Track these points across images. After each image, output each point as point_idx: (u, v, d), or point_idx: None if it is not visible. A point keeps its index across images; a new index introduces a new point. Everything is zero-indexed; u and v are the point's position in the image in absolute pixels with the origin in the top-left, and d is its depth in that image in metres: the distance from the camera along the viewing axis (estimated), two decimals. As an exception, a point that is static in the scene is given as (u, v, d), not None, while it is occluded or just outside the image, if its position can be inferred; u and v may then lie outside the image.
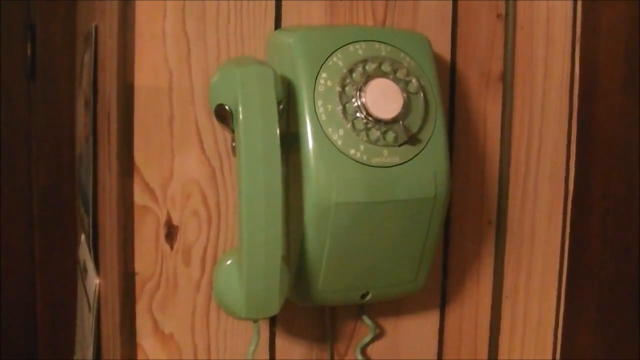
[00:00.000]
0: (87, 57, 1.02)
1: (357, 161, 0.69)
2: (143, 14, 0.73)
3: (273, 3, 0.76)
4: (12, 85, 1.54)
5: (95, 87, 0.95)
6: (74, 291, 1.23)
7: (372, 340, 0.84)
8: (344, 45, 0.72)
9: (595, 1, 0.84)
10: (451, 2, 0.83)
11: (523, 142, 0.88)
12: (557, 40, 0.87)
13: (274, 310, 0.69)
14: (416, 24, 0.81)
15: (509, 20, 0.85)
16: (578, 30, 0.87)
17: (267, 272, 0.67)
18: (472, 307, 0.89)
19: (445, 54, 0.83)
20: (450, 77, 0.84)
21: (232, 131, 0.68)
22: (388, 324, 0.85)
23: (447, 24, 0.83)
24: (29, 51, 1.53)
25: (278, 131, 0.66)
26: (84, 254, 1.06)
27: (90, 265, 0.98)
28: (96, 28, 0.95)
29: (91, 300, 0.95)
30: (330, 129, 0.69)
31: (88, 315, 0.98)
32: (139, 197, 0.75)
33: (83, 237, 1.10)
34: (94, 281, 0.94)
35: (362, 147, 0.69)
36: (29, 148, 1.56)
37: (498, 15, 0.85)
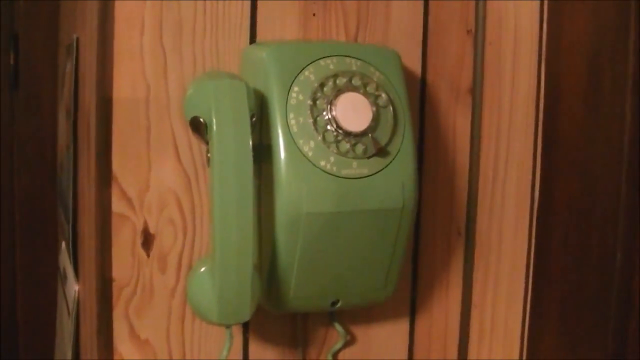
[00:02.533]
0: (69, 68, 1.03)
1: (327, 172, 0.71)
2: (122, 28, 0.75)
3: (248, 19, 0.78)
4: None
5: (76, 97, 0.96)
6: (55, 296, 1.24)
7: (343, 347, 0.85)
8: (315, 60, 0.73)
9: (558, 19, 0.86)
10: (422, 18, 0.85)
11: (491, 155, 0.89)
12: (523, 56, 0.89)
13: (246, 316, 0.71)
14: (388, 39, 0.83)
15: (478, 36, 0.87)
16: (544, 47, 0.89)
17: (239, 279, 0.69)
18: (441, 315, 0.90)
19: (416, 68, 0.85)
20: (420, 90, 0.86)
21: (207, 142, 0.70)
22: (359, 331, 0.87)
23: (417, 39, 0.85)
24: (11, 61, 1.54)
25: (250, 143, 0.68)
26: (64, 260, 1.07)
27: (70, 272, 0.99)
28: (77, 40, 0.97)
29: (70, 306, 0.96)
30: (301, 141, 0.71)
31: (67, 320, 0.99)
32: (117, 205, 0.76)
33: (63, 244, 1.11)
34: (73, 287, 0.95)
35: (332, 159, 0.71)
36: (11, 156, 1.56)
37: (468, 32, 0.87)
